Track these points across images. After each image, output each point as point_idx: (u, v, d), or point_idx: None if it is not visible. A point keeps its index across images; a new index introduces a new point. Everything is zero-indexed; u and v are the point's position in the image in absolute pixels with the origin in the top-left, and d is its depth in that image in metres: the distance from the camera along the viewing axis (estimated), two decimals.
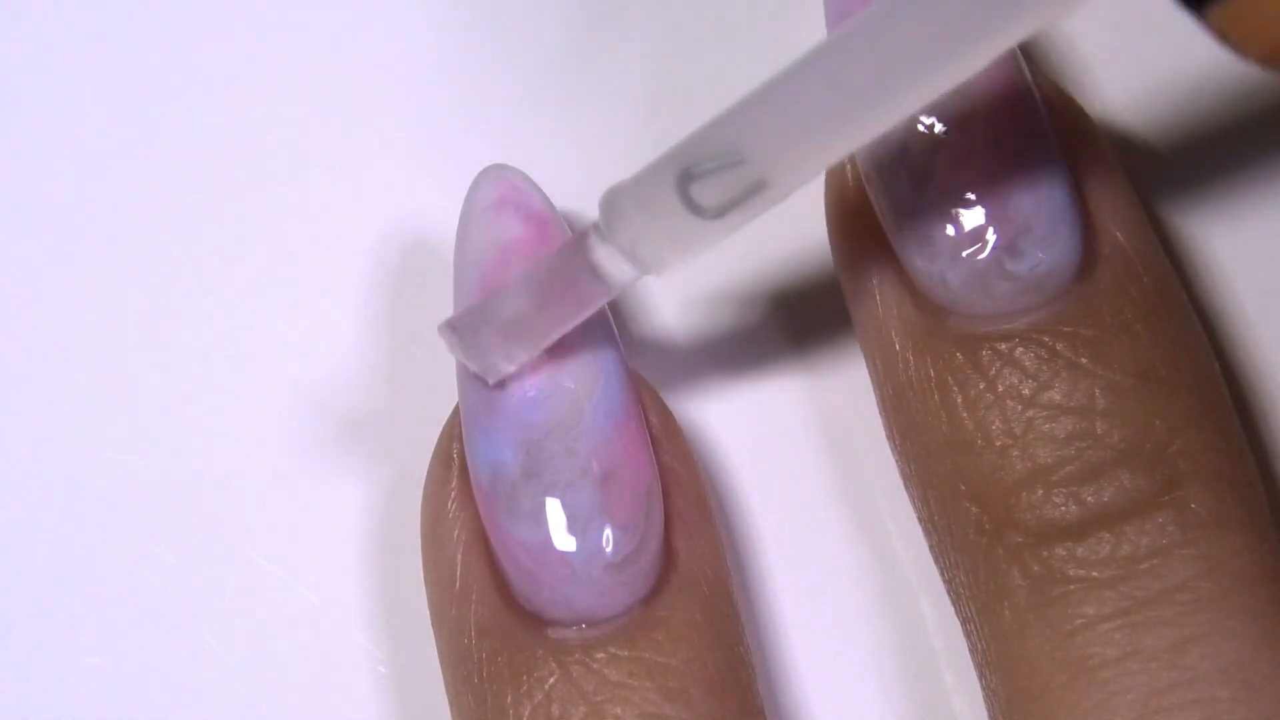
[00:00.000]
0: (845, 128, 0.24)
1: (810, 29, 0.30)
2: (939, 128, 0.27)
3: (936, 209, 0.27)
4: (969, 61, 0.23)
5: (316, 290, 0.31)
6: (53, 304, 0.31)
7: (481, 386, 0.27)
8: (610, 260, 0.26)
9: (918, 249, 0.27)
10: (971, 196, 0.27)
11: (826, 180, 0.29)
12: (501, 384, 0.27)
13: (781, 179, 0.25)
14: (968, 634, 0.28)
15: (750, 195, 0.25)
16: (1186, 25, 0.29)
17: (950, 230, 0.27)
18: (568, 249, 0.26)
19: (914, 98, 0.24)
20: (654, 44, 0.31)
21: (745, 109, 0.24)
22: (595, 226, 0.26)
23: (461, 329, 0.27)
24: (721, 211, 0.25)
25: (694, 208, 0.25)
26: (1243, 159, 0.30)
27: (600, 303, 0.26)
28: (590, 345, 0.27)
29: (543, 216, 0.28)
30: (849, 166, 0.28)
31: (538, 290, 0.26)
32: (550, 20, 0.31)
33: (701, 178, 0.24)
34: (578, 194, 0.30)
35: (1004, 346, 0.27)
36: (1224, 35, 0.22)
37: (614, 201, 0.25)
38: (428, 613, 0.28)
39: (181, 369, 0.30)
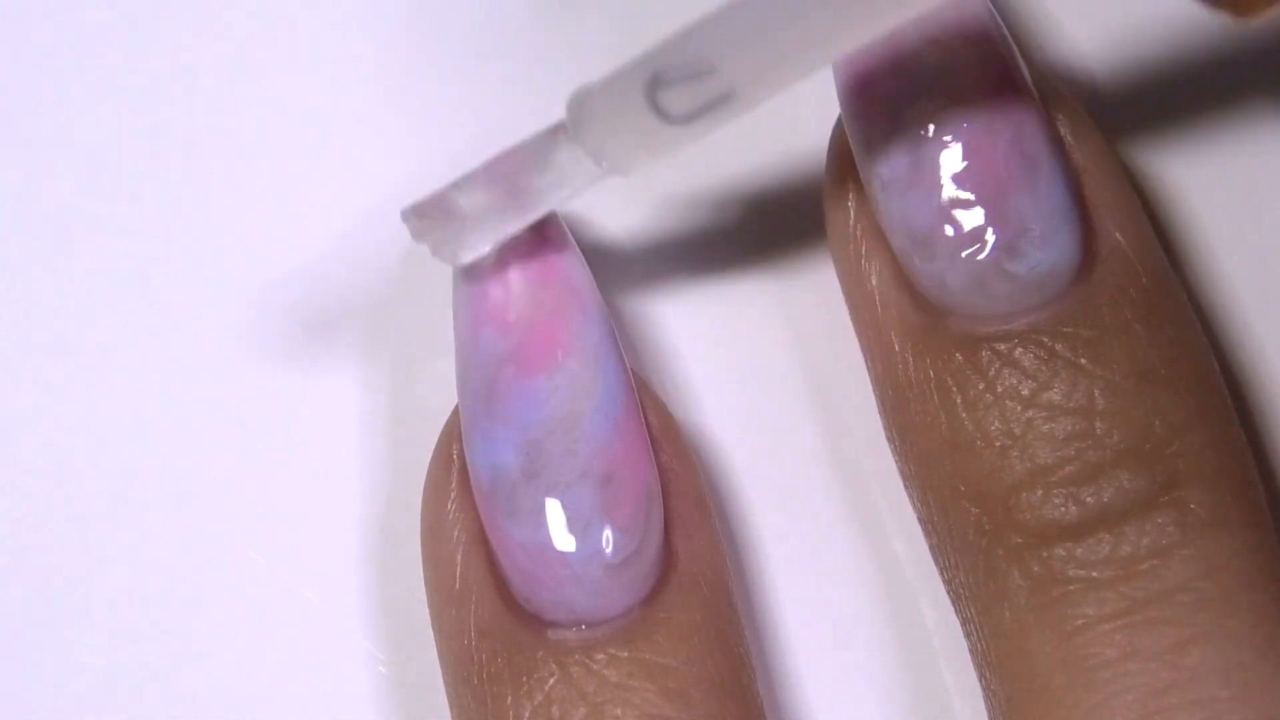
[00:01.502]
0: (814, 41, 0.24)
1: None
2: (938, 129, 0.27)
3: (935, 210, 0.27)
4: None
5: (316, 290, 0.31)
6: (52, 304, 0.31)
7: (482, 387, 0.27)
8: (575, 159, 0.26)
9: (916, 250, 0.27)
10: (970, 197, 0.27)
11: (826, 181, 0.29)
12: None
13: (750, 91, 0.25)
14: (968, 634, 0.28)
15: (718, 105, 0.25)
16: (1187, 18, 0.29)
17: (949, 231, 0.27)
18: (534, 144, 0.26)
19: (883, 14, 0.24)
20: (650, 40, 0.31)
21: (716, 20, 0.25)
22: (562, 125, 0.26)
23: (424, 214, 0.27)
24: (689, 119, 0.25)
25: (661, 114, 0.25)
26: (1243, 159, 0.30)
27: (562, 199, 0.27)
28: (590, 346, 0.27)
29: (543, 216, 0.28)
30: (848, 167, 0.28)
31: (502, 181, 0.26)
32: (550, 21, 0.31)
33: (670, 85, 0.25)
34: (583, 208, 0.30)
35: (1003, 347, 0.27)
36: None
37: (582, 102, 0.26)
38: (427, 613, 0.28)
39: (181, 369, 0.30)
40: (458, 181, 0.27)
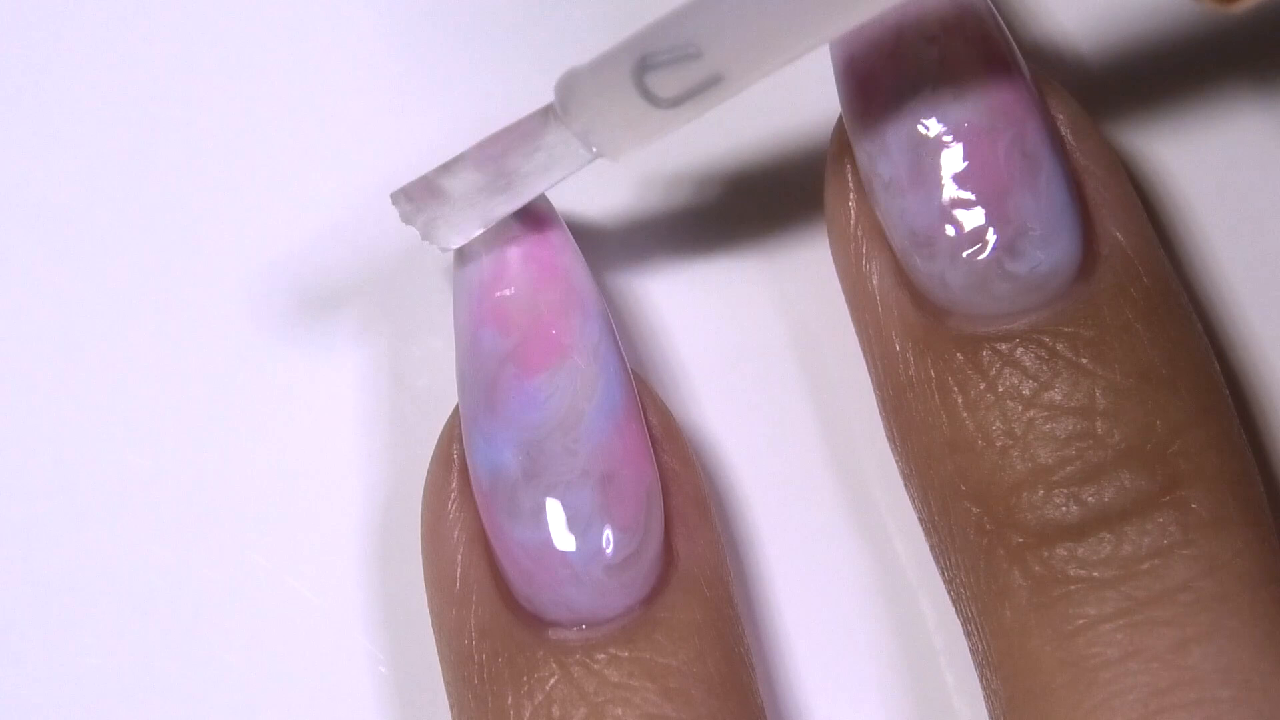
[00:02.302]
0: (801, 25, 0.25)
1: None
2: (939, 129, 0.27)
3: (936, 210, 0.27)
4: None
5: (316, 290, 0.31)
6: (52, 303, 0.31)
7: (482, 387, 0.27)
8: (564, 141, 0.26)
9: (917, 249, 0.27)
10: (971, 197, 0.27)
11: (826, 181, 0.29)
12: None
13: (737, 74, 0.25)
14: (968, 634, 0.28)
15: (705, 88, 0.25)
16: (1187, 18, 0.29)
17: (950, 231, 0.27)
18: (523, 126, 0.26)
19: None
20: None
21: (703, 4, 0.25)
22: (551, 108, 0.26)
23: (414, 197, 0.27)
24: (676, 102, 0.25)
25: (649, 97, 0.25)
26: (1244, 159, 0.30)
27: (550, 182, 0.27)
28: (591, 346, 0.27)
29: (541, 217, 0.28)
30: (849, 167, 0.28)
31: (490, 163, 0.27)
32: (550, 20, 0.31)
33: (658, 68, 0.25)
34: (577, 193, 0.30)
35: (1004, 347, 0.27)
36: None
37: (571, 85, 0.26)
38: (428, 613, 0.28)
39: (182, 369, 0.30)
40: (445, 165, 0.27)
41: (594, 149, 0.26)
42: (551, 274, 0.28)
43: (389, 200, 0.27)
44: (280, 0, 0.31)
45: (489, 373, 0.27)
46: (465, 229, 0.27)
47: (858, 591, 0.30)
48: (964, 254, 0.27)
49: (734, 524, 0.30)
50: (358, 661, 0.30)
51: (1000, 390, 0.27)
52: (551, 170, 0.27)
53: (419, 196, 0.27)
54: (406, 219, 0.27)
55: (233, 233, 0.31)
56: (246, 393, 0.30)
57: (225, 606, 0.30)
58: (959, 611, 0.28)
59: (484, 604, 0.27)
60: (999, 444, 0.27)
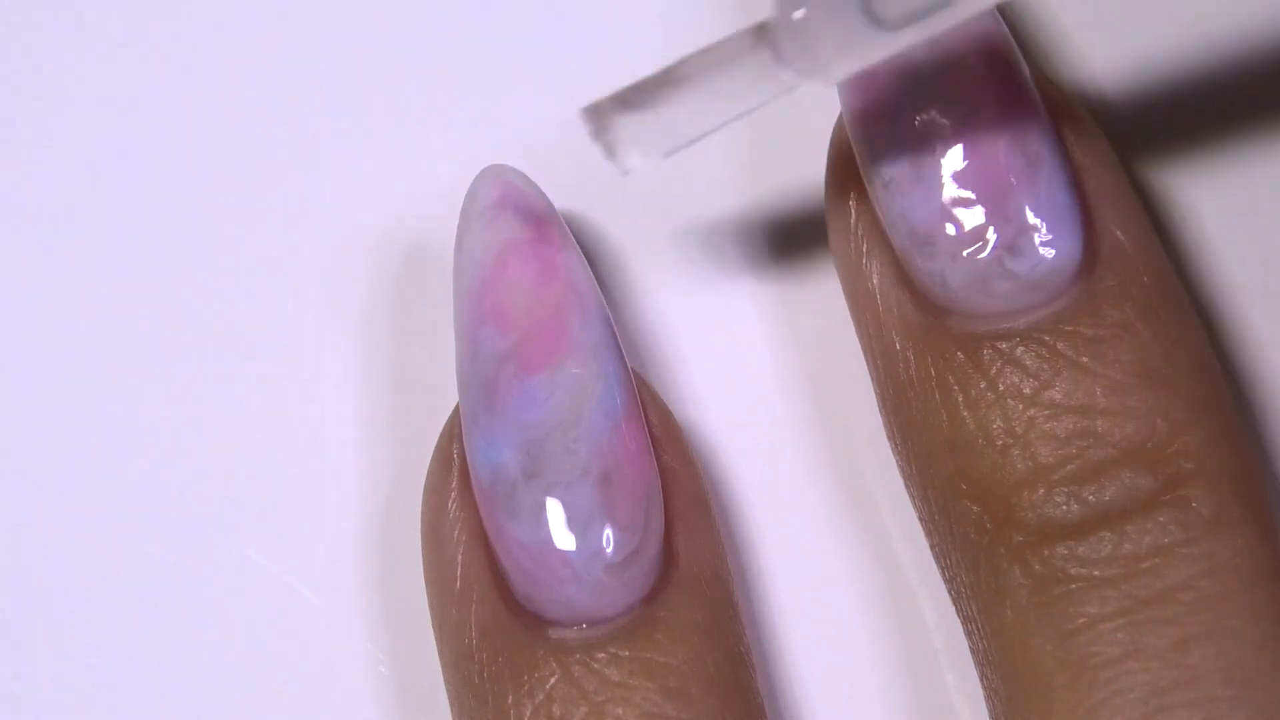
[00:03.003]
0: None
1: None
2: (939, 128, 0.27)
3: (937, 209, 0.27)
4: None
5: (316, 290, 0.30)
6: (52, 303, 0.31)
7: (482, 387, 0.27)
8: (770, 64, 0.25)
9: (918, 248, 0.27)
10: (972, 195, 0.27)
11: (827, 179, 0.29)
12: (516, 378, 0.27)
13: None
14: (969, 633, 0.28)
15: (932, 11, 0.25)
16: (1185, 19, 0.29)
17: (950, 229, 0.27)
18: (729, 46, 0.25)
19: None
20: (652, 43, 0.31)
21: None
22: (764, 26, 0.25)
23: (603, 112, 0.26)
24: (900, 24, 0.25)
25: (873, 18, 0.25)
26: (1244, 158, 0.30)
27: (749, 107, 0.26)
28: (590, 345, 0.27)
29: (542, 216, 0.28)
30: (849, 167, 0.28)
31: (688, 81, 0.25)
32: (549, 20, 0.31)
33: None
34: (577, 194, 0.30)
35: (1005, 346, 0.27)
36: None
37: (794, 2, 0.25)
38: (428, 613, 0.28)
39: (181, 369, 0.30)
40: (640, 81, 0.26)
41: (805, 71, 0.25)
42: (552, 273, 0.28)
43: (579, 114, 0.26)
44: (292, 47, 0.31)
45: (489, 372, 0.27)
46: (651, 147, 0.26)
47: (858, 591, 0.30)
48: (964, 253, 0.27)
49: (734, 524, 0.30)
50: (358, 661, 0.30)
51: (1001, 389, 0.27)
52: (753, 92, 0.25)
53: (609, 111, 0.26)
54: (594, 135, 0.26)
55: (232, 232, 0.31)
56: (246, 393, 0.30)
57: (225, 606, 0.30)
58: (959, 611, 0.28)
59: (484, 603, 0.27)
60: (999, 443, 0.27)
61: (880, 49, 0.25)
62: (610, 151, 0.26)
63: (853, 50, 0.25)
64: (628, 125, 0.26)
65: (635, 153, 0.26)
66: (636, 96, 0.26)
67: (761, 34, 0.25)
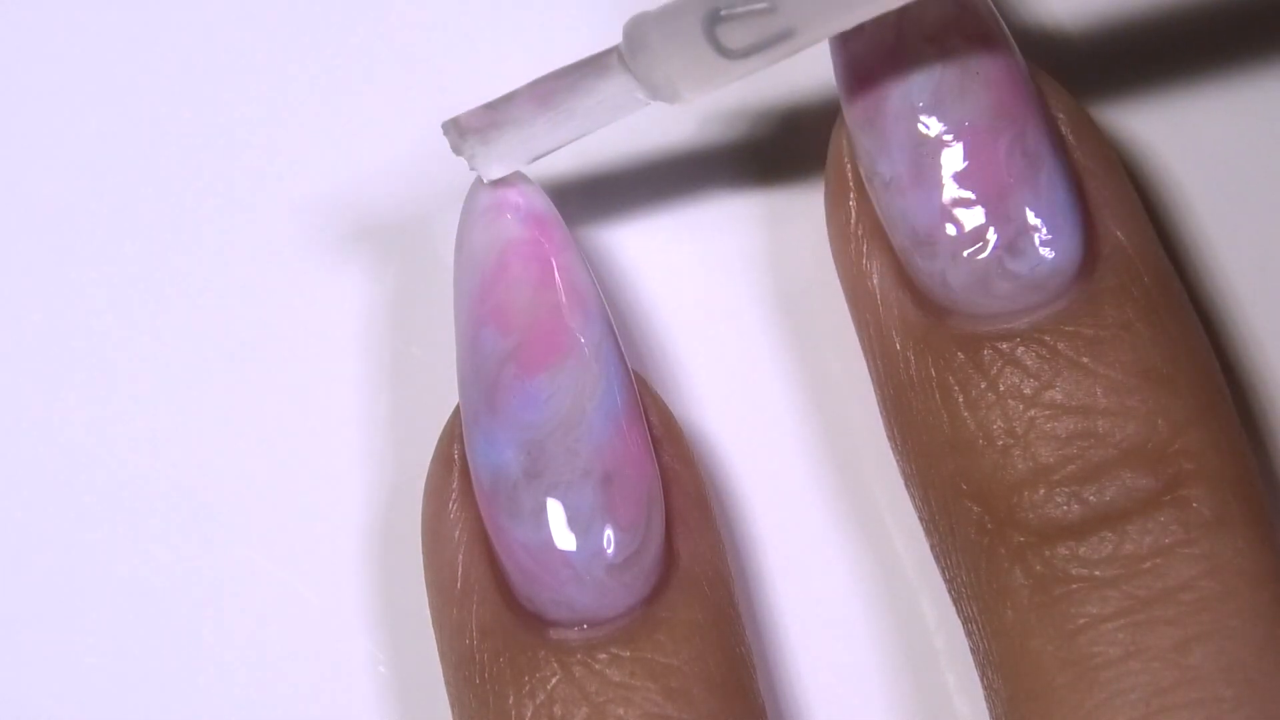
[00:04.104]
0: None
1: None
2: (939, 128, 0.27)
3: (937, 209, 0.27)
4: None
5: (317, 290, 0.30)
6: (52, 304, 0.31)
7: (482, 387, 0.27)
8: (624, 84, 0.26)
9: (918, 249, 0.27)
10: (972, 196, 0.27)
11: (827, 180, 0.29)
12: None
13: (808, 29, 0.25)
14: (969, 633, 0.28)
15: (775, 42, 0.25)
16: (1185, 18, 0.29)
17: (951, 230, 0.27)
18: (583, 66, 0.27)
19: None
20: None
21: None
22: (617, 50, 0.26)
23: (465, 126, 0.27)
24: (744, 54, 0.26)
25: (718, 47, 0.26)
26: (1245, 158, 0.30)
27: (603, 123, 0.27)
28: (591, 346, 0.27)
29: (542, 217, 0.28)
30: (849, 167, 0.28)
31: (548, 99, 0.27)
32: (549, 18, 0.31)
33: (729, 20, 0.25)
34: (578, 194, 0.30)
35: (1005, 346, 0.27)
36: None
37: (640, 27, 0.26)
38: (428, 613, 0.28)
39: (182, 369, 0.30)
40: (502, 96, 0.27)
41: (652, 93, 0.26)
42: (552, 274, 0.28)
43: (440, 129, 0.27)
44: (293, 48, 0.31)
45: (490, 373, 0.27)
46: (510, 160, 0.27)
47: (858, 592, 0.30)
48: (965, 253, 0.27)
49: (734, 524, 0.30)
50: (358, 661, 0.30)
51: (1001, 389, 0.27)
52: (607, 110, 0.27)
53: (470, 125, 0.27)
54: (455, 148, 0.27)
55: (233, 233, 0.31)
56: (247, 393, 0.30)
57: (225, 606, 0.30)
58: (959, 611, 0.28)
59: (485, 604, 0.27)
60: (1000, 443, 0.27)
61: (727, 76, 0.26)
62: (471, 163, 0.27)
63: (700, 76, 0.26)
64: (485, 141, 0.27)
65: (496, 164, 0.28)
66: (497, 112, 0.27)
67: (618, 57, 0.26)
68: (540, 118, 0.27)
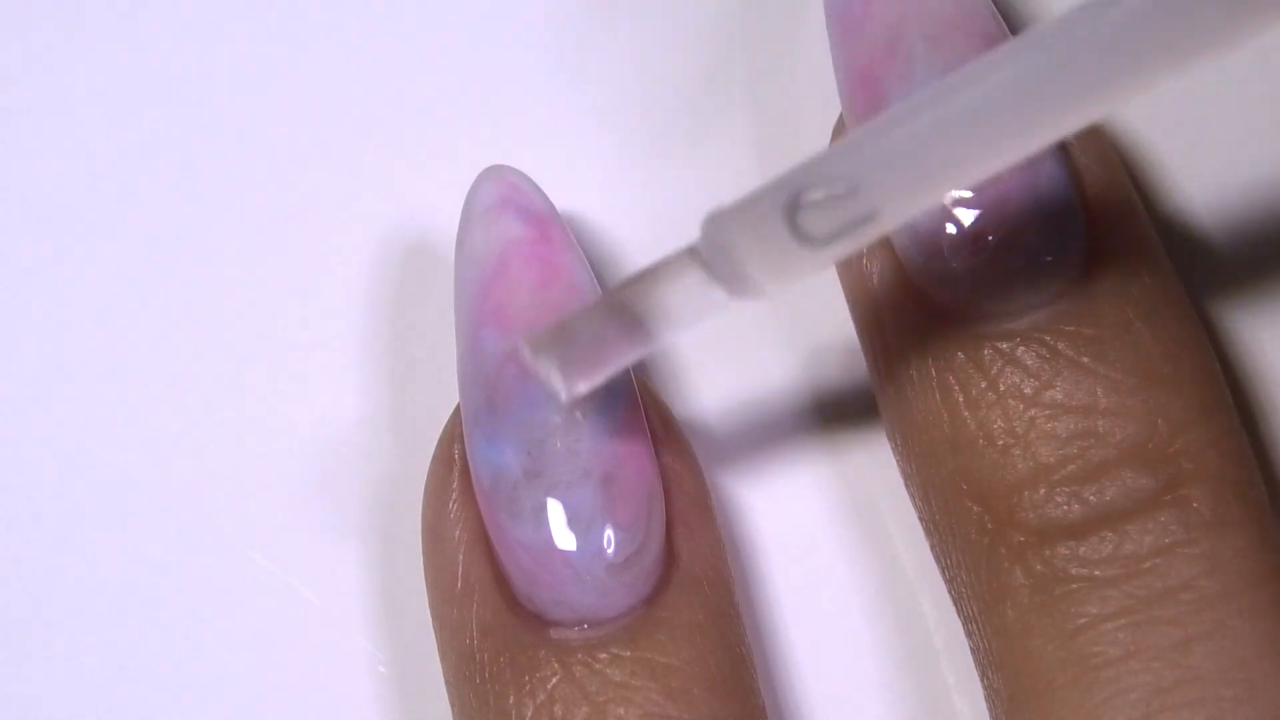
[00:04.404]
0: (958, 162, 0.24)
1: (803, 29, 0.30)
2: None
3: (937, 209, 0.27)
4: (1090, 108, 0.23)
5: (317, 290, 0.31)
6: (53, 304, 0.31)
7: (483, 387, 0.27)
8: (701, 286, 0.25)
9: (918, 248, 0.27)
10: (972, 195, 0.27)
11: None
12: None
13: (891, 211, 0.24)
14: (969, 633, 0.28)
15: (858, 226, 0.24)
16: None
17: (951, 229, 0.27)
18: (660, 270, 0.25)
19: (1025, 136, 0.23)
20: (652, 42, 0.31)
21: (860, 141, 0.24)
22: (691, 250, 0.25)
23: (543, 342, 0.26)
24: (828, 241, 0.24)
25: (800, 236, 0.24)
26: (1245, 158, 0.30)
27: (687, 327, 0.25)
28: None
29: (543, 216, 0.28)
30: None
31: (623, 309, 0.25)
32: (548, 18, 0.31)
33: (810, 207, 0.24)
34: (578, 194, 0.30)
35: (1005, 346, 0.27)
36: None
37: (719, 224, 0.25)
38: (428, 613, 0.28)
39: (181, 369, 0.30)
40: (579, 309, 0.26)
41: (735, 290, 0.25)
42: (553, 273, 0.28)
43: (521, 344, 0.26)
44: (293, 49, 0.31)
45: (490, 372, 0.27)
46: (592, 375, 0.26)
47: (858, 591, 0.30)
48: (965, 253, 0.27)
49: (734, 524, 0.30)
50: (358, 661, 0.30)
51: (1001, 389, 0.27)
52: (689, 315, 0.25)
53: (549, 341, 0.26)
54: (534, 362, 0.26)
55: (233, 233, 0.31)
56: (247, 393, 0.30)
57: (225, 606, 0.30)
58: (960, 611, 0.28)
59: (485, 603, 0.27)
60: (1000, 443, 0.27)
61: (810, 266, 0.24)
62: (550, 380, 0.26)
63: (782, 270, 0.24)
64: (564, 357, 0.25)
65: (579, 382, 0.26)
66: (571, 324, 0.25)
67: (693, 256, 0.25)
68: (619, 326, 0.25)
